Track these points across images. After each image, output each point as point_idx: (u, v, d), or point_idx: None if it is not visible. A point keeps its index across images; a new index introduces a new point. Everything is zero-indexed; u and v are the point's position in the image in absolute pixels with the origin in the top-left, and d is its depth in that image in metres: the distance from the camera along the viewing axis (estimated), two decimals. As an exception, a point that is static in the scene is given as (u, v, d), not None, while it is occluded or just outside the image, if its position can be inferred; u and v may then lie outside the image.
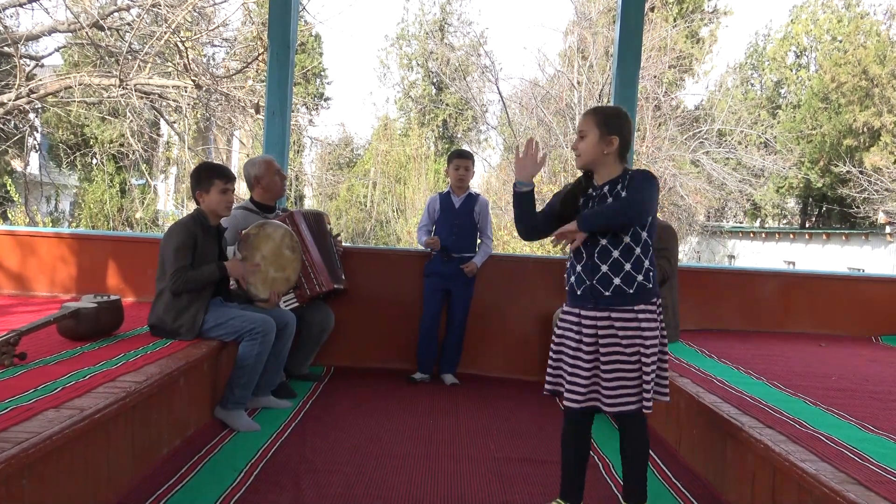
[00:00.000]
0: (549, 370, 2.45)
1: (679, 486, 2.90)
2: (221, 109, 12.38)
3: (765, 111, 22.20)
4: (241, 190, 9.61)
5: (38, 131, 13.77)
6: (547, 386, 2.46)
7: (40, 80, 10.99)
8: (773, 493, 2.38)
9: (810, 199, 22.15)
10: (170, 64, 11.35)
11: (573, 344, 2.36)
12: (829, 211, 21.87)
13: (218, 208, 3.37)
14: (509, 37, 40.13)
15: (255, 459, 2.95)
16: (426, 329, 4.56)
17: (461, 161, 4.51)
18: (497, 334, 4.86)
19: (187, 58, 10.57)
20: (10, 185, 11.47)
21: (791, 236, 19.29)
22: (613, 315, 2.30)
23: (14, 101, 10.21)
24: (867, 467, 2.16)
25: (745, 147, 18.43)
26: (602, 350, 2.31)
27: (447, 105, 22.73)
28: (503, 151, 20.54)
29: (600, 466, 3.05)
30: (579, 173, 2.50)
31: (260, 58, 11.23)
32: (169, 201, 17.53)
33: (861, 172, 18.05)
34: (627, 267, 2.29)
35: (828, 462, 2.20)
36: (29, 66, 11.33)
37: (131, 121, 11.56)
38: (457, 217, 4.53)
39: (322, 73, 22.05)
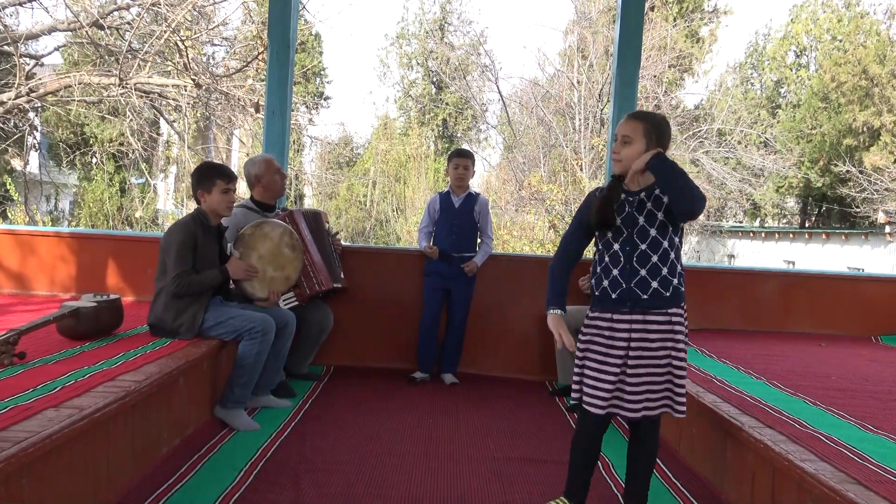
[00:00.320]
0: (574, 378, 2.42)
1: (678, 485, 2.90)
2: (221, 108, 12.38)
3: (765, 111, 22.19)
4: (241, 189, 9.61)
5: (37, 130, 13.77)
6: (573, 395, 2.43)
7: (40, 79, 10.98)
8: (773, 492, 2.38)
9: (810, 199, 22.14)
10: (170, 63, 11.34)
11: (602, 349, 2.34)
12: (829, 210, 21.88)
13: (219, 208, 3.37)
14: (509, 36, 40.19)
15: (255, 459, 2.95)
16: (426, 329, 4.56)
17: (461, 160, 4.51)
18: (497, 334, 4.86)
19: (187, 57, 10.56)
20: (9, 184, 11.48)
21: (791, 236, 19.28)
22: (649, 318, 2.31)
23: (14, 99, 10.21)
24: (867, 467, 2.16)
25: (745, 147, 18.44)
26: (632, 354, 2.30)
27: (447, 104, 22.74)
28: (503, 151, 20.56)
29: (600, 466, 3.05)
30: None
31: (260, 57, 11.21)
32: (169, 200, 17.54)
33: (861, 172, 18.04)
34: (664, 271, 2.31)
35: (827, 462, 2.20)
36: (29, 65, 11.32)
37: (131, 120, 11.56)
38: (457, 217, 4.52)
39: (322, 72, 22.06)
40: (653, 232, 2.31)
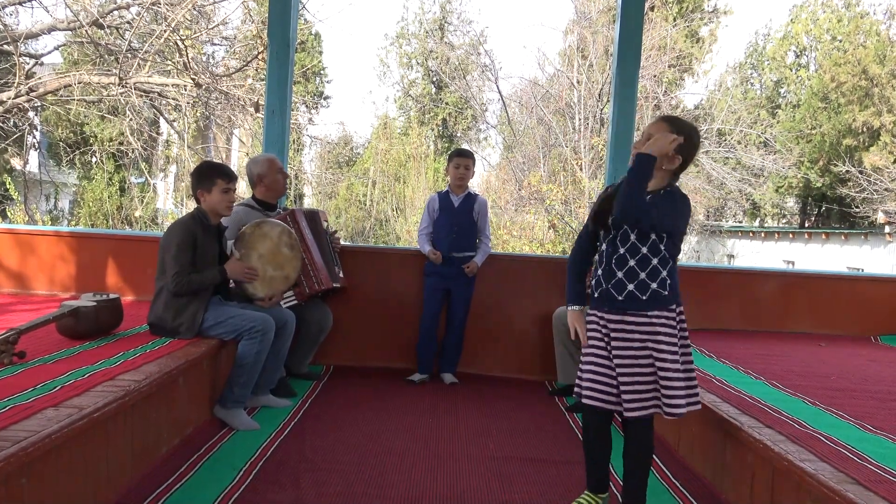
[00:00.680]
0: (578, 374, 2.49)
1: (678, 485, 2.90)
2: (221, 108, 12.37)
3: (764, 111, 22.19)
4: (241, 188, 9.62)
5: (37, 129, 13.76)
6: (576, 389, 2.49)
7: (40, 78, 10.98)
8: (772, 492, 2.38)
9: (810, 199, 22.15)
10: (169, 62, 11.33)
11: (598, 343, 2.42)
12: (829, 210, 21.89)
13: (219, 207, 3.37)
14: (509, 36, 40.15)
15: (255, 458, 2.94)
16: (426, 328, 4.56)
17: (461, 160, 4.51)
18: (497, 334, 4.86)
19: (187, 56, 10.56)
20: (9, 184, 11.47)
21: (790, 236, 19.29)
22: (627, 319, 2.35)
23: (13, 99, 10.20)
24: (866, 467, 2.16)
25: (745, 146, 18.43)
26: (614, 353, 2.36)
27: (447, 104, 22.73)
28: (503, 150, 20.56)
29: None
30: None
31: (260, 56, 11.21)
32: (168, 200, 17.54)
33: (860, 172, 18.05)
34: (642, 275, 2.34)
35: (827, 462, 2.20)
36: (28, 64, 11.32)
37: (131, 119, 11.55)
38: (456, 216, 4.53)
39: (322, 72, 22.07)
40: (633, 237, 2.35)
